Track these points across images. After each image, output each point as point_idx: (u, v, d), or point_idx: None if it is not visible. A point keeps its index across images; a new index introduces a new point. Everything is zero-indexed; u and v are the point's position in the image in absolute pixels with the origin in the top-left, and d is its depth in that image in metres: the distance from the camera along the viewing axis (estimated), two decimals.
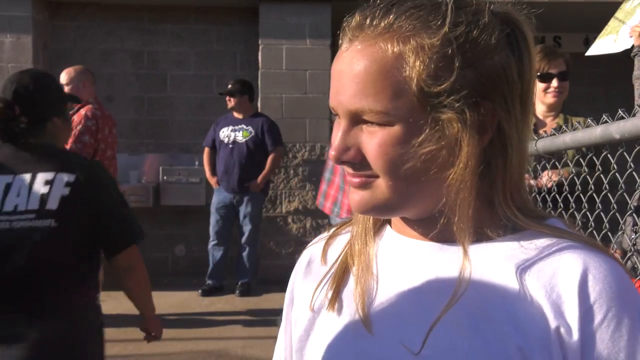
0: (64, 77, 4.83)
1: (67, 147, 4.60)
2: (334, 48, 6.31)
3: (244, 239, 5.83)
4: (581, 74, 7.43)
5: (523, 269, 0.73)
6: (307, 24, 6.28)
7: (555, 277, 0.71)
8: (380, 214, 0.78)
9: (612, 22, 2.82)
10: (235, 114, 5.83)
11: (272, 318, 5.15)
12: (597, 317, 0.69)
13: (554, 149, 1.70)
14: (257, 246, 6.00)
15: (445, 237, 0.77)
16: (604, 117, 1.43)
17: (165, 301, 5.64)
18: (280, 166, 6.15)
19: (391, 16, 0.71)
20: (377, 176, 0.74)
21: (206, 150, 5.97)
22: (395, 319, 0.75)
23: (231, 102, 5.77)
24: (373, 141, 0.72)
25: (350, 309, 0.79)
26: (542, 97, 3.13)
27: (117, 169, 5.06)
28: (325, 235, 0.91)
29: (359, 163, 0.74)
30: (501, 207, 0.76)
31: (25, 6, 6.12)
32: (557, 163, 1.88)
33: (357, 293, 0.78)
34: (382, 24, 0.71)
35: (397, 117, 0.71)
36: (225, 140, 5.77)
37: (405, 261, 0.79)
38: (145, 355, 4.20)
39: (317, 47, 6.29)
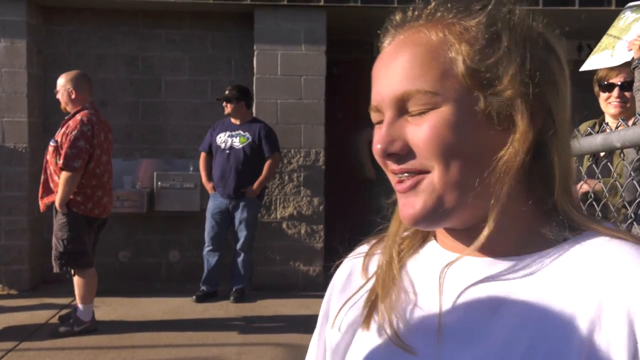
0: (59, 82, 4.81)
1: (63, 152, 4.59)
2: (329, 54, 6.32)
3: (239, 245, 5.82)
4: (572, 80, 7.47)
5: (582, 283, 0.68)
6: (302, 30, 6.28)
7: (622, 295, 0.66)
8: (432, 221, 0.73)
9: (606, 39, 2.89)
10: (233, 120, 5.82)
11: (266, 325, 5.13)
12: None
13: None
14: (252, 252, 5.98)
15: (496, 249, 0.73)
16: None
17: (159, 307, 5.62)
18: (276, 172, 6.15)
19: (432, 6, 0.74)
20: (426, 170, 0.71)
21: (202, 154, 5.95)
22: (444, 340, 0.71)
23: (228, 108, 5.75)
24: (422, 127, 0.70)
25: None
26: (605, 107, 3.10)
27: (112, 174, 5.04)
28: (364, 249, 0.89)
29: (405, 156, 0.72)
30: (559, 202, 0.72)
31: (19, 11, 6.10)
32: (595, 168, 1.82)
33: (385, 316, 0.75)
34: (424, 15, 0.74)
35: (447, 98, 0.69)
36: (222, 145, 5.76)
37: (453, 279, 0.74)
38: None
39: (312, 53, 6.29)
